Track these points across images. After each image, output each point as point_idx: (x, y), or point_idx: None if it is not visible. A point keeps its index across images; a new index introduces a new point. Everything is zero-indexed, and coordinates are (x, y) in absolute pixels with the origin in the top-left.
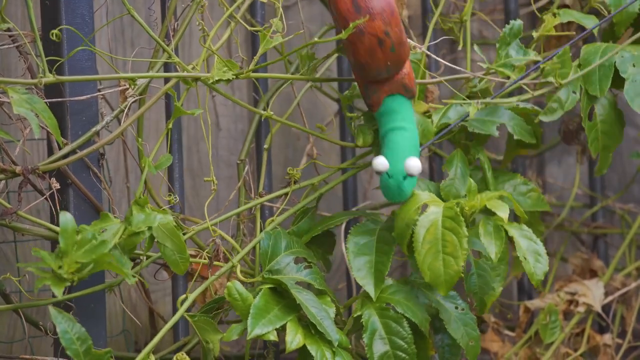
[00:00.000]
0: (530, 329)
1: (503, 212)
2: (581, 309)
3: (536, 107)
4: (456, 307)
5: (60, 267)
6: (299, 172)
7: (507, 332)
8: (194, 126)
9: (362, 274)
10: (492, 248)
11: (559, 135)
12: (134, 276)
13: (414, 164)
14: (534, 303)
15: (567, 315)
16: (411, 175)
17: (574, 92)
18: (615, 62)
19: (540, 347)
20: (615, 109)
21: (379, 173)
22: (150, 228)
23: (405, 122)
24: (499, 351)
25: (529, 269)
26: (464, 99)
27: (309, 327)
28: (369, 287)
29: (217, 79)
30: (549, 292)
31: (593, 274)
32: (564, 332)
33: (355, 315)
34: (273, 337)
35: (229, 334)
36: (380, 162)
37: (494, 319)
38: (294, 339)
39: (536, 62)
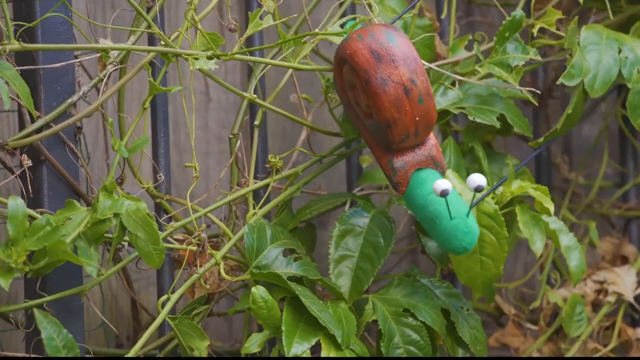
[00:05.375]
0: (554, 322)
1: (549, 205)
2: (611, 298)
3: (528, 93)
4: (461, 307)
5: (9, 257)
6: (281, 161)
7: (529, 325)
8: (181, 97)
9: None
10: (537, 239)
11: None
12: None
13: (478, 177)
14: (559, 293)
15: (596, 306)
16: (479, 189)
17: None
18: (620, 67)
19: (565, 341)
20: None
21: (443, 195)
22: (117, 215)
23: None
24: (520, 347)
25: (571, 268)
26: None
27: (333, 337)
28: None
29: (197, 67)
30: None
31: (624, 260)
32: (591, 325)
33: (369, 320)
34: (307, 356)
35: (248, 345)
36: (443, 182)
37: (514, 311)
38: (329, 354)
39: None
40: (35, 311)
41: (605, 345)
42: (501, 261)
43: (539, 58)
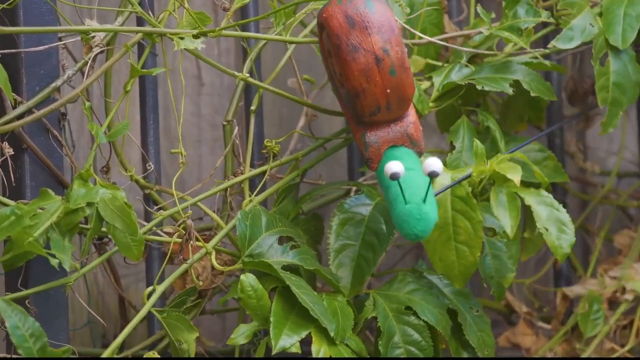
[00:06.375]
0: (568, 321)
1: (514, 175)
2: (629, 296)
3: (554, 63)
4: (471, 308)
5: None
6: (278, 146)
7: (541, 324)
8: (173, 80)
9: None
10: (506, 220)
11: (565, 93)
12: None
13: (434, 161)
14: (573, 290)
15: (613, 304)
16: (433, 175)
17: (592, 25)
18: None
19: (580, 341)
20: (633, 63)
21: (393, 178)
22: (91, 204)
23: (415, 166)
24: (532, 347)
25: (551, 242)
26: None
27: (326, 331)
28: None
29: (183, 47)
30: (591, 276)
31: None
32: (608, 324)
33: (368, 317)
34: (296, 349)
35: (235, 337)
36: (395, 164)
37: (526, 308)
38: (320, 349)
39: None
40: None
41: (622, 346)
42: (477, 248)
43: (551, 20)
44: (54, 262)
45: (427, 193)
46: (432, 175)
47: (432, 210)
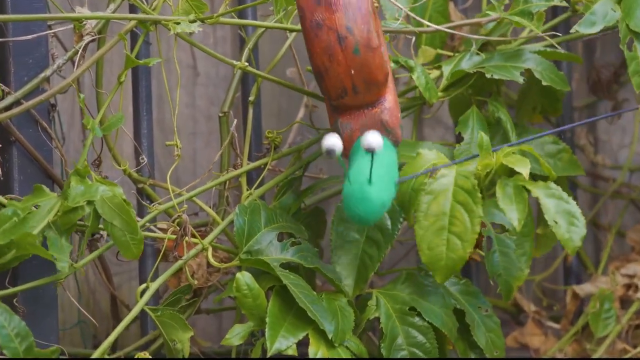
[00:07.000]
0: (579, 320)
1: (523, 168)
2: None
3: (570, 53)
4: (479, 308)
5: None
6: (280, 137)
7: (550, 323)
8: (167, 70)
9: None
10: (513, 214)
11: (588, 84)
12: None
13: (372, 135)
14: (584, 288)
15: (625, 302)
16: (369, 149)
17: (613, 10)
18: None
19: (591, 341)
20: None
21: (329, 154)
22: (90, 202)
23: (382, 152)
24: (541, 347)
25: (561, 235)
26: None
27: (325, 333)
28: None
29: (179, 30)
30: (602, 274)
31: None
32: (620, 324)
33: (370, 317)
34: (292, 351)
35: (230, 337)
36: (330, 140)
37: (534, 307)
38: (317, 351)
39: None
40: None
41: (634, 346)
42: (470, 243)
43: (564, 4)
44: (59, 265)
45: (370, 173)
46: (369, 150)
47: (377, 191)
